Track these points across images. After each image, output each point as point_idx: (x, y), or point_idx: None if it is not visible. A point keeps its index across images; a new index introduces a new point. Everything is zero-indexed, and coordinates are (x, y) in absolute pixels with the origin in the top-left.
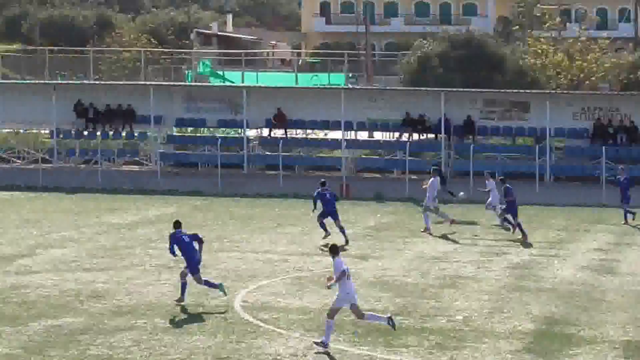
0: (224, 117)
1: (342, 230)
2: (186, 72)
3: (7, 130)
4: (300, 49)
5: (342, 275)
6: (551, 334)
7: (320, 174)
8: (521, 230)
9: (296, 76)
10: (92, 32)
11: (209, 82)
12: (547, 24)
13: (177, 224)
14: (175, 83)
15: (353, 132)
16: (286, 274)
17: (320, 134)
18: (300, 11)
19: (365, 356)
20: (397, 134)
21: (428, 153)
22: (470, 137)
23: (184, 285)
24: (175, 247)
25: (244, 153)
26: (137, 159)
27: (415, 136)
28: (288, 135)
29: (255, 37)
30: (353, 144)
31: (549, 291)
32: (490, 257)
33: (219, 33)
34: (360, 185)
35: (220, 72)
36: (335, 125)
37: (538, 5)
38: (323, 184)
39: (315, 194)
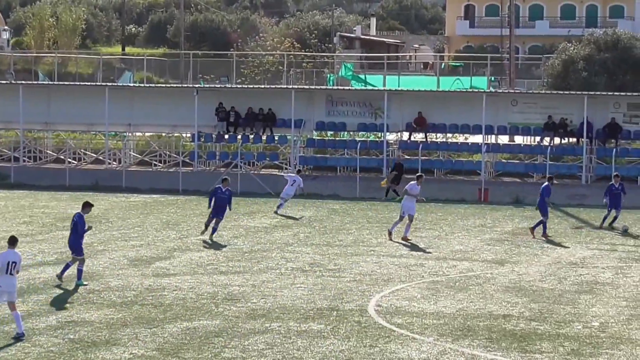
0: (364, 120)
1: (214, 230)
2: (328, 75)
3: (149, 133)
4: (443, 53)
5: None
6: None
7: (460, 177)
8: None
9: (438, 80)
10: (236, 36)
11: (351, 86)
12: None
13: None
14: (317, 87)
15: (493, 136)
16: (421, 279)
17: (460, 138)
18: (445, 14)
19: None
20: (538, 138)
21: (569, 157)
22: (613, 141)
23: None
24: None
25: (384, 157)
26: (276, 162)
27: (557, 140)
28: (428, 139)
29: (398, 41)
30: (493, 148)
31: None
32: (630, 263)
33: (362, 36)
34: (499, 190)
35: (362, 76)
36: (476, 129)
37: None
38: (224, 180)
39: (212, 190)
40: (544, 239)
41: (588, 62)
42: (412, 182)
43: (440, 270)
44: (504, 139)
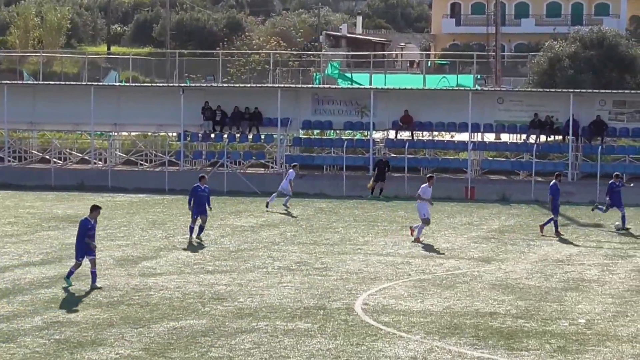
0: (351, 119)
1: (201, 228)
2: (314, 74)
3: (135, 133)
4: (429, 51)
5: None
6: None
7: (446, 176)
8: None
9: (424, 78)
10: (222, 35)
11: (337, 84)
12: None
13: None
14: (303, 85)
15: (480, 134)
16: (408, 277)
17: (446, 136)
18: (430, 13)
19: (486, 359)
20: (524, 136)
21: (555, 155)
22: (599, 138)
23: None
24: None
25: (370, 155)
26: (263, 161)
27: (543, 138)
28: (414, 138)
29: (384, 39)
30: (479, 146)
31: None
32: (616, 260)
33: (348, 35)
34: (485, 188)
35: (348, 74)
36: (462, 127)
37: None
38: (201, 178)
39: (191, 189)
40: (555, 237)
41: (574, 59)
42: (423, 185)
43: (427, 268)
44: (490, 137)
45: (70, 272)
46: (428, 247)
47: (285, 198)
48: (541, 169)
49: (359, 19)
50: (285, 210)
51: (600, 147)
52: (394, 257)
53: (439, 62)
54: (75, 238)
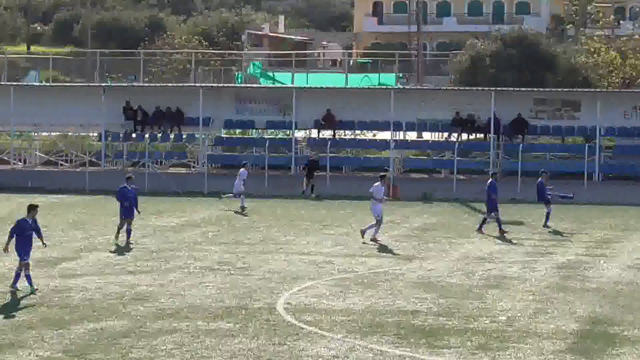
0: (273, 118)
1: (129, 232)
2: (236, 73)
3: (55, 133)
4: (352, 50)
5: None
6: (595, 334)
7: (368, 174)
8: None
9: (346, 77)
10: (143, 35)
11: (259, 84)
12: (601, 22)
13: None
14: (225, 84)
15: (402, 133)
16: (330, 276)
17: (368, 135)
18: (353, 11)
19: (408, 357)
20: (446, 134)
21: (477, 153)
22: (520, 136)
23: None
24: None
25: (292, 154)
26: (184, 161)
27: (465, 136)
28: (337, 136)
29: (306, 38)
30: (401, 144)
31: (594, 291)
32: (536, 257)
33: (270, 34)
34: (407, 186)
35: (271, 74)
36: (384, 126)
37: (592, 3)
38: (128, 178)
39: (119, 190)
40: (500, 235)
41: (495, 58)
42: (376, 184)
43: (349, 267)
44: (412, 135)
45: (27, 277)
46: (351, 246)
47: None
48: (463, 167)
49: (281, 18)
50: (241, 210)
51: (521, 145)
52: (316, 256)
53: (361, 60)
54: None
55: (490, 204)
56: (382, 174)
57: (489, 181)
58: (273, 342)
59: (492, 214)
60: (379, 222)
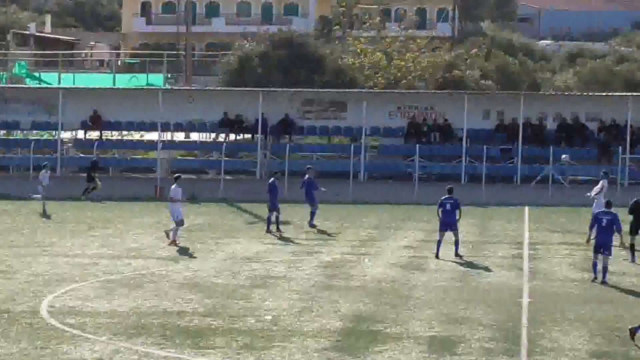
0: (39, 119)
1: None
2: (1, 73)
3: None
4: (119, 50)
5: None
6: (358, 332)
7: (136, 175)
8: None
9: (114, 77)
10: None
11: (25, 84)
12: (367, 24)
13: None
14: None
15: (170, 133)
16: (95, 278)
17: (136, 136)
18: (121, 11)
19: (173, 358)
20: (214, 135)
21: (244, 153)
22: (287, 136)
23: None
24: None
25: (57, 155)
26: None
27: (232, 136)
28: (103, 137)
29: (73, 38)
30: (169, 145)
31: (358, 289)
32: (302, 257)
33: (37, 34)
34: None
35: (37, 74)
36: (152, 127)
37: (358, 5)
38: None
39: None
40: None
41: (263, 58)
42: (173, 186)
43: (114, 268)
44: (180, 136)
45: None
46: (117, 247)
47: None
48: (230, 167)
49: (48, 18)
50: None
51: (288, 145)
52: (82, 258)
53: (129, 61)
54: None
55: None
56: (176, 175)
57: (270, 180)
58: (36, 346)
59: (274, 212)
60: (178, 224)
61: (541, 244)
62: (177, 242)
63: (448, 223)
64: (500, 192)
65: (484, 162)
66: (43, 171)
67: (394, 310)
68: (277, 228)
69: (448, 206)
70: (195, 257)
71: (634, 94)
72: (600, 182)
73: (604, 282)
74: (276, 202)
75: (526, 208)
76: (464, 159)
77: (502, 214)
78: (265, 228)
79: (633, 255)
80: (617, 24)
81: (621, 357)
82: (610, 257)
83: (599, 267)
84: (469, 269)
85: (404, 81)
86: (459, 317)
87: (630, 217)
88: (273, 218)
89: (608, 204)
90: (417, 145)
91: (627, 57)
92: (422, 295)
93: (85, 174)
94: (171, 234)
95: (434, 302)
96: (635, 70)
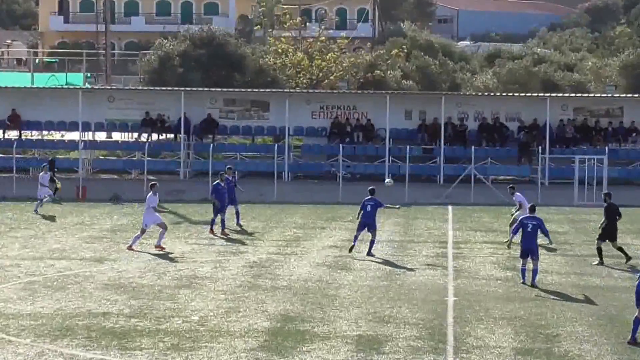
0: None
1: None
2: None
3: None
4: (37, 49)
5: None
6: (286, 331)
7: (59, 176)
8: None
9: (32, 76)
10: None
11: None
12: (288, 24)
13: None
14: None
15: (91, 133)
16: (17, 279)
17: (56, 135)
18: (38, 9)
19: None
20: (135, 135)
21: (167, 153)
22: (210, 136)
23: None
24: None
25: None
26: None
27: (155, 136)
28: (23, 137)
29: None
30: (91, 145)
31: (284, 289)
32: (228, 257)
33: None
34: (97, 187)
35: None
36: (73, 126)
37: (279, 4)
38: None
39: None
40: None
41: (184, 58)
42: (149, 194)
43: (37, 270)
44: (101, 136)
45: None
46: (38, 248)
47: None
48: (152, 167)
49: None
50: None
51: (211, 145)
52: (3, 259)
53: (47, 60)
54: None
55: (215, 205)
56: (152, 183)
57: (215, 182)
58: None
59: (219, 214)
60: (143, 232)
61: (465, 243)
62: (134, 248)
63: (366, 223)
64: (424, 191)
65: (407, 162)
66: (42, 173)
67: (321, 310)
68: (217, 229)
69: (369, 207)
70: (120, 258)
71: (553, 94)
72: (515, 200)
73: (534, 285)
74: (225, 202)
75: (449, 207)
76: (387, 158)
77: (426, 213)
78: (220, 229)
79: (601, 257)
80: (534, 25)
81: (545, 354)
82: (538, 260)
83: (528, 270)
84: (394, 268)
85: (326, 81)
86: (385, 316)
87: (604, 220)
88: (220, 218)
89: (532, 209)
90: (341, 145)
91: (545, 58)
92: (349, 295)
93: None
94: (132, 240)
95: (360, 301)
96: (552, 71)
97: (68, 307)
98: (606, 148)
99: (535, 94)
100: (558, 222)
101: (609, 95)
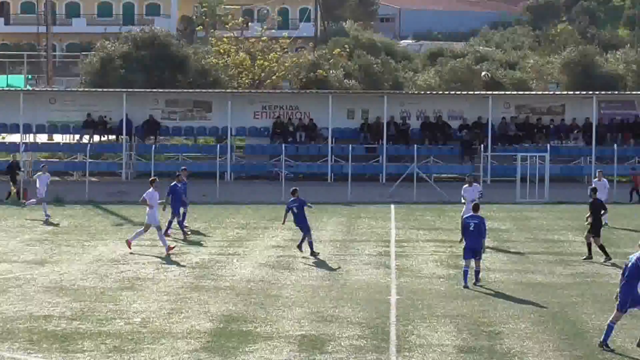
0: None
1: None
2: None
3: None
4: None
5: None
6: (229, 332)
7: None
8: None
9: None
10: None
11: None
12: (230, 24)
13: None
14: None
15: (32, 135)
16: None
17: None
18: None
19: None
20: (77, 136)
21: (109, 154)
22: (152, 137)
23: None
24: None
25: None
26: None
27: (97, 138)
28: None
29: None
30: (32, 147)
31: (227, 289)
32: (170, 258)
33: None
34: None
35: None
36: (14, 129)
37: (220, 5)
38: None
39: None
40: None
41: (126, 59)
42: (149, 190)
43: None
44: (43, 138)
45: None
46: None
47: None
48: (95, 169)
49: None
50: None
51: (154, 146)
52: None
53: None
54: None
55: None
56: (152, 178)
57: (172, 183)
58: None
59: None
60: (146, 228)
61: (407, 242)
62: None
63: (298, 225)
64: (366, 190)
65: (350, 161)
66: (40, 173)
67: (263, 310)
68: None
69: (295, 209)
70: (61, 260)
71: (495, 92)
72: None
73: (477, 285)
74: (178, 205)
75: (392, 206)
76: (329, 158)
77: (369, 212)
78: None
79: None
80: (476, 24)
81: (487, 352)
82: (480, 260)
83: (471, 271)
84: (337, 267)
85: (268, 81)
86: (328, 316)
87: (589, 215)
88: (174, 219)
89: (475, 208)
90: (283, 145)
91: (486, 57)
92: (292, 295)
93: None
94: (133, 235)
95: (303, 301)
96: (494, 69)
97: (9, 310)
98: (548, 145)
99: (478, 92)
100: (501, 219)
101: (551, 93)
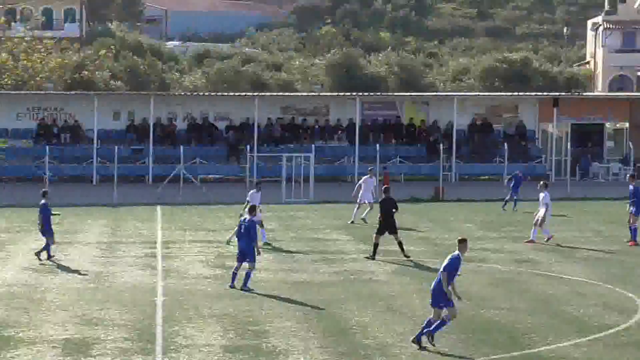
0: None
1: None
2: None
3: None
4: None
5: None
6: None
7: None
8: None
9: None
10: None
11: None
12: None
13: None
14: None
15: None
16: None
17: None
18: None
19: None
20: None
21: None
22: None
23: None
24: None
25: None
26: None
27: None
28: None
29: None
30: None
31: None
32: None
33: None
34: None
35: None
36: None
37: None
38: None
39: None
40: None
41: None
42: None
43: None
44: None
45: None
46: None
47: None
48: None
49: None
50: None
51: None
52: None
53: None
54: None
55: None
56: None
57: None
58: None
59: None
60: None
61: (174, 243)
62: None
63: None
64: (132, 192)
65: (115, 163)
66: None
67: (26, 315)
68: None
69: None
70: None
71: (261, 93)
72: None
73: (244, 289)
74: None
75: (158, 207)
76: (94, 159)
77: (135, 213)
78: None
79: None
80: (243, 25)
81: (253, 350)
82: (252, 262)
83: (240, 273)
84: (102, 270)
85: (32, 82)
86: (93, 319)
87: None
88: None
89: (251, 210)
90: (47, 147)
91: (253, 58)
92: (56, 298)
93: None
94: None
95: (68, 305)
96: (260, 70)
97: None
98: (313, 146)
99: (244, 94)
100: (267, 219)
101: (316, 94)
